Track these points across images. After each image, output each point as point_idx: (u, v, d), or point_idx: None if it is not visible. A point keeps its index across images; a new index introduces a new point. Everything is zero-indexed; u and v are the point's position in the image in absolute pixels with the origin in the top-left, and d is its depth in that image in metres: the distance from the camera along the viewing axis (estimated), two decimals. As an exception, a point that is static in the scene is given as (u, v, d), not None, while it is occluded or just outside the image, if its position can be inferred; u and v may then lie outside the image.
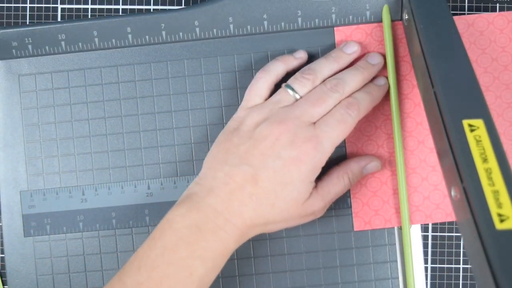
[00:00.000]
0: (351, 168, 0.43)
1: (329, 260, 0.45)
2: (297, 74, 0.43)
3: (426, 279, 0.46)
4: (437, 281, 0.46)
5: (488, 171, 0.31)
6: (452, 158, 0.32)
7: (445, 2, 0.40)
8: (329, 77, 0.43)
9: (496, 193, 0.30)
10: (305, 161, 0.39)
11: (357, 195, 0.45)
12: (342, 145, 0.45)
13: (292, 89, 0.42)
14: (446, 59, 0.37)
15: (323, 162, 0.40)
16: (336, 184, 0.43)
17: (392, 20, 0.45)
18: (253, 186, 0.39)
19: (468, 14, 0.46)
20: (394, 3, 0.45)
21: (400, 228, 0.45)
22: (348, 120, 0.40)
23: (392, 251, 0.45)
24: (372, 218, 0.45)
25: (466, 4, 0.47)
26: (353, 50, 0.44)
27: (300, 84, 0.42)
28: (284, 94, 0.42)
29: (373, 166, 0.44)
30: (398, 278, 0.45)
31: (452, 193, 0.33)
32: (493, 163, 0.31)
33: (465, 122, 0.33)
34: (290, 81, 0.42)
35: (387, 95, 0.45)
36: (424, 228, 0.46)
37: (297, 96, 0.41)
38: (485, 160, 0.31)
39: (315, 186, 0.42)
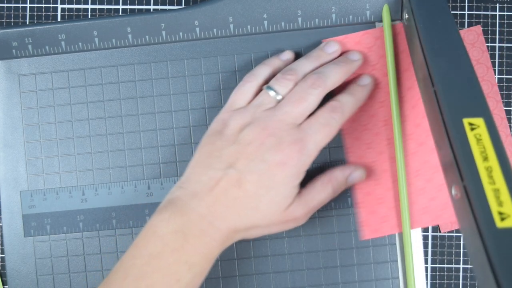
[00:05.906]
0: (335, 177, 0.43)
1: (330, 260, 0.45)
2: (278, 74, 0.42)
3: (426, 279, 0.46)
4: (437, 281, 0.46)
5: (489, 170, 0.31)
6: (452, 156, 0.32)
7: (445, 2, 0.40)
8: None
9: (496, 191, 0.30)
10: (290, 164, 0.39)
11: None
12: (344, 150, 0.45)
13: (273, 90, 0.41)
14: (446, 58, 0.37)
15: (307, 166, 0.40)
16: (319, 192, 0.42)
17: (392, 20, 0.45)
18: (238, 189, 0.39)
19: (468, 14, 0.47)
20: (394, 3, 0.45)
21: (400, 228, 0.45)
22: (332, 123, 0.40)
23: (392, 251, 0.45)
24: (380, 225, 0.45)
25: (466, 4, 0.47)
26: (333, 50, 0.44)
27: (281, 85, 0.41)
28: (266, 97, 0.41)
29: (357, 175, 0.44)
30: (398, 278, 0.45)
31: (453, 192, 0.33)
32: (493, 161, 0.31)
33: (466, 121, 0.33)
34: (271, 83, 0.42)
35: (387, 97, 0.45)
36: (424, 228, 0.46)
37: (279, 97, 0.41)
38: (485, 158, 0.31)
39: (299, 192, 0.41)
